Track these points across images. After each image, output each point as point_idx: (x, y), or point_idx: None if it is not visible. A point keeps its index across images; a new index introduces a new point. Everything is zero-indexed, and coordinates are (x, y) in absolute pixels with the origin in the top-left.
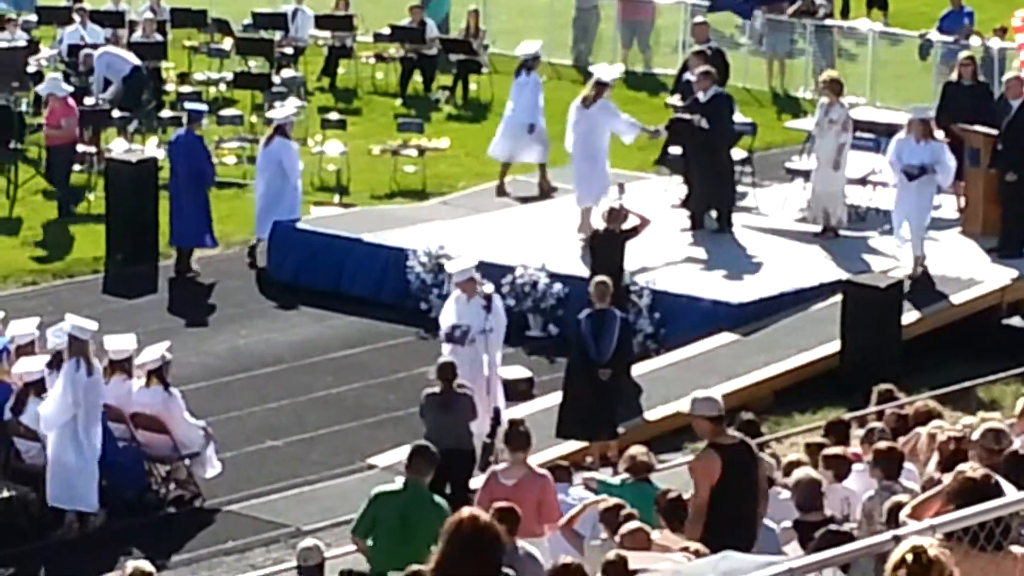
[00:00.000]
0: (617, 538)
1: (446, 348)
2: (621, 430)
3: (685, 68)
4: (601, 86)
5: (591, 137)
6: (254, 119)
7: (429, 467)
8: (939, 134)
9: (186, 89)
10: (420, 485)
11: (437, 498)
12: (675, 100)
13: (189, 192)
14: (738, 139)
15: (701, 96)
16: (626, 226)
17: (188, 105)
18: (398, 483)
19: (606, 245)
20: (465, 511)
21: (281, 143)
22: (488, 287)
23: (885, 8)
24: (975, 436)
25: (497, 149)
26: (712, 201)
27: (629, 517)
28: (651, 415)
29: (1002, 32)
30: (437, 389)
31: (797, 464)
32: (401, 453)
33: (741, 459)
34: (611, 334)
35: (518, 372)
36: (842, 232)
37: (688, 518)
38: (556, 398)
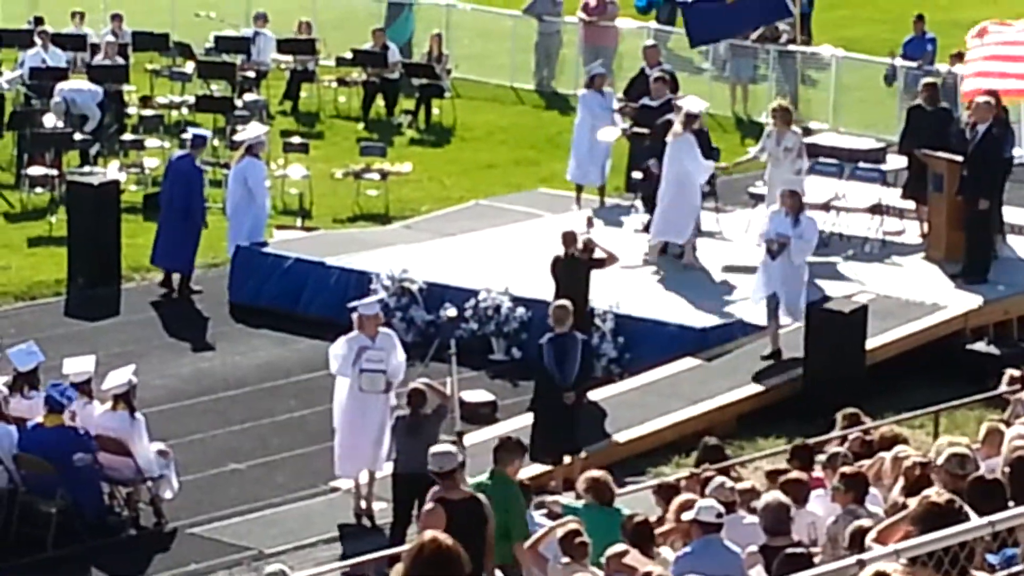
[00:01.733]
0: (587, 561)
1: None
2: (583, 454)
3: (632, 87)
4: (691, 118)
5: (681, 171)
6: (216, 142)
7: (513, 457)
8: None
9: (148, 112)
10: (506, 476)
11: (516, 488)
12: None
13: (178, 217)
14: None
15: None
16: (593, 256)
17: (192, 131)
18: (484, 475)
19: (570, 272)
20: (427, 534)
21: (249, 162)
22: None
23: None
24: (940, 461)
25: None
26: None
27: (582, 544)
28: (615, 439)
29: (959, 58)
30: (405, 413)
31: (753, 492)
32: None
33: (469, 514)
34: (574, 358)
35: (481, 396)
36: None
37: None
38: (520, 422)
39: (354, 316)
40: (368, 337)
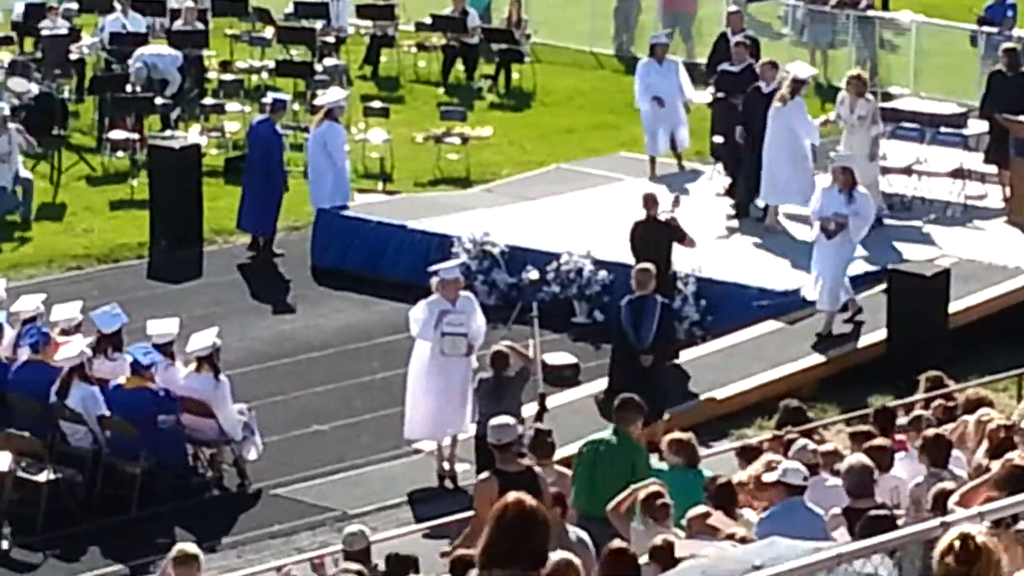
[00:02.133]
0: (669, 523)
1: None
2: (666, 416)
3: (715, 53)
4: (798, 83)
5: (790, 136)
6: (296, 107)
7: (634, 416)
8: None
9: (228, 77)
10: (629, 435)
11: (641, 447)
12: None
13: (258, 180)
14: None
15: (764, 87)
16: (673, 224)
17: (272, 95)
18: (607, 432)
19: (650, 234)
20: (511, 495)
21: (328, 126)
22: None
23: None
24: (1022, 424)
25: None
26: (758, 190)
27: (664, 506)
28: (697, 401)
29: None
30: (488, 375)
31: (835, 454)
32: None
33: (523, 487)
34: (651, 320)
35: (563, 358)
36: (887, 221)
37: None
38: (601, 384)
39: (434, 280)
40: (448, 301)
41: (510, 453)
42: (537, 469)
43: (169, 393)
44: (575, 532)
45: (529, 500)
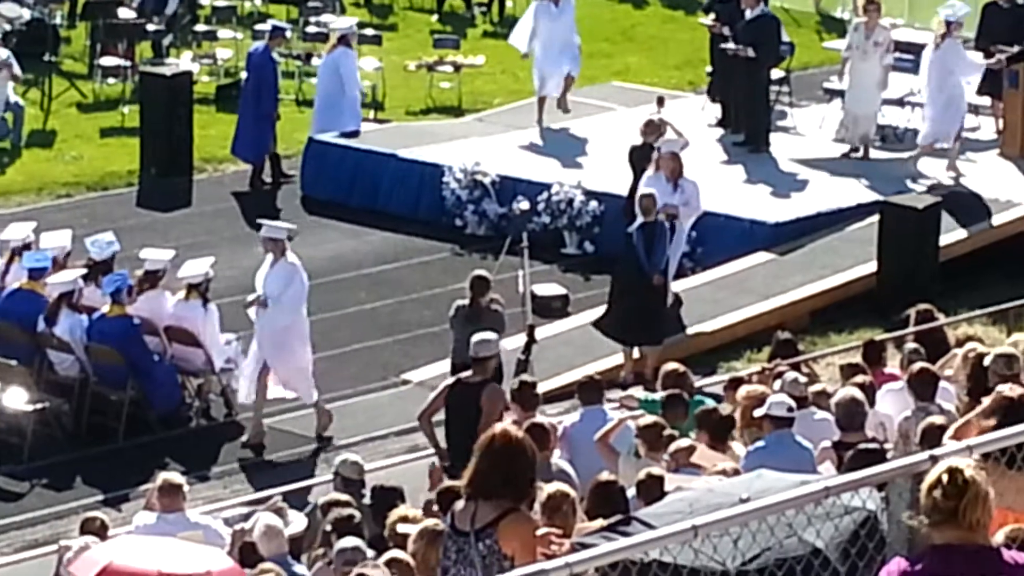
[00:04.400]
0: (666, 455)
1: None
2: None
3: None
4: (950, 25)
5: (944, 77)
6: (288, 34)
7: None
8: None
9: (221, 3)
10: None
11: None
12: (709, 20)
13: (254, 107)
14: (781, 61)
15: (748, 13)
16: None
17: (271, 22)
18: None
19: (644, 159)
20: (497, 426)
21: (342, 52)
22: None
23: None
24: (986, 362)
25: None
26: (748, 121)
27: (671, 438)
28: (687, 333)
29: None
30: (466, 301)
31: (824, 395)
32: (434, 369)
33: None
34: (663, 245)
35: (553, 289)
36: (879, 153)
37: None
38: (591, 315)
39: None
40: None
41: (481, 368)
42: (494, 386)
43: (144, 322)
44: (557, 463)
45: (515, 431)
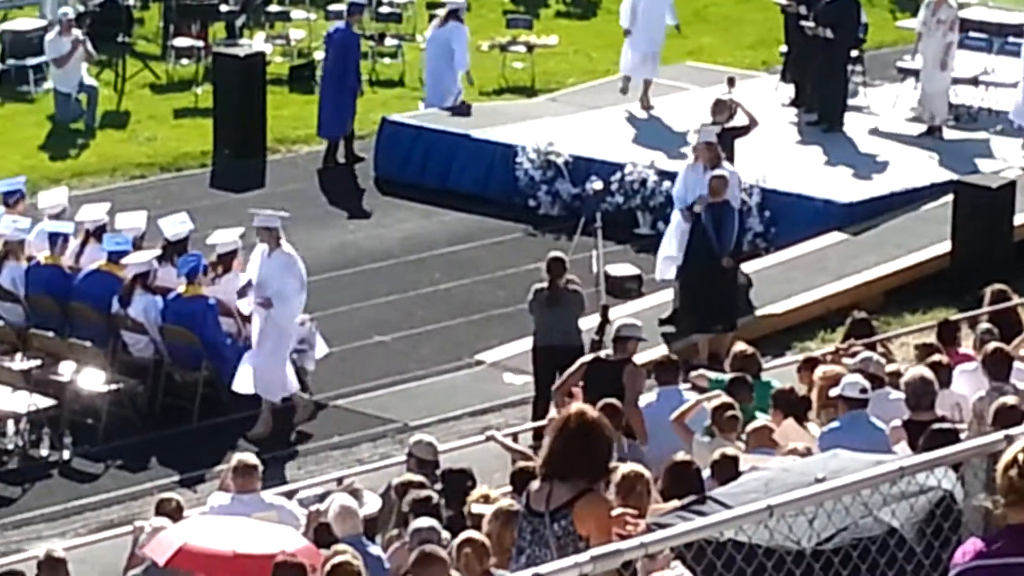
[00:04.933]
0: (744, 436)
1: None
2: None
3: None
4: None
5: None
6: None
7: None
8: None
9: None
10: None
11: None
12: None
13: (336, 86)
14: (859, 43)
15: None
16: (735, 123)
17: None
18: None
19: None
20: (573, 407)
21: (454, 27)
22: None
23: None
24: None
25: None
26: (825, 100)
27: (733, 418)
28: (760, 314)
29: None
30: (544, 285)
31: (898, 375)
32: (508, 349)
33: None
34: (731, 227)
35: (626, 270)
36: (953, 132)
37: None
38: (664, 296)
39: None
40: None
41: (622, 347)
42: (637, 365)
43: (219, 302)
44: (627, 442)
45: (591, 412)
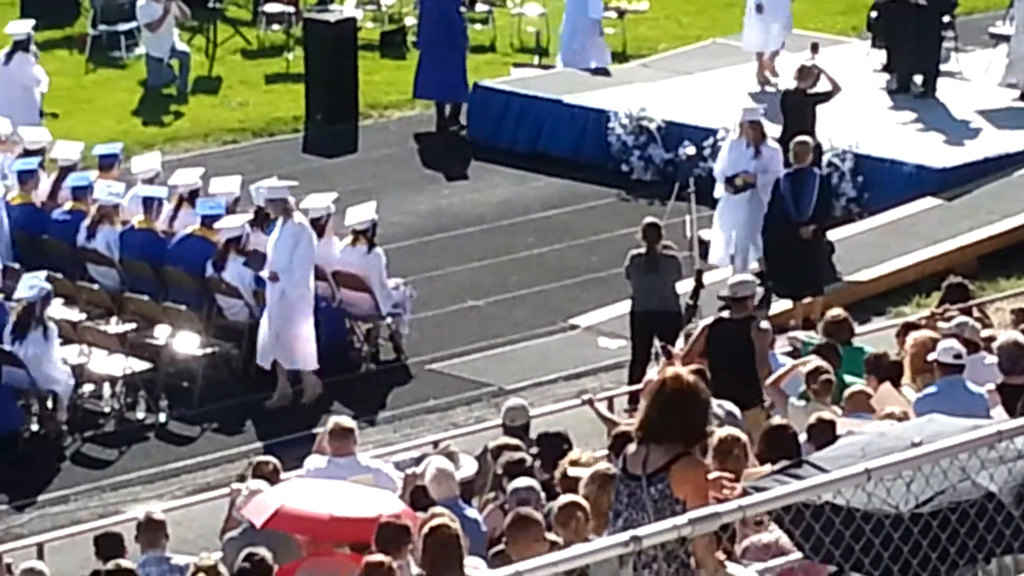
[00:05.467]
0: (828, 399)
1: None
2: (825, 289)
3: None
4: None
5: None
6: None
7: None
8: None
9: None
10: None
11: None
12: None
13: (442, 45)
14: (952, 7)
15: None
16: (818, 88)
17: None
18: None
19: (796, 105)
20: (669, 371)
21: None
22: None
23: None
24: None
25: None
26: (918, 65)
27: (827, 382)
28: (854, 278)
29: None
30: (642, 250)
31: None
32: (602, 314)
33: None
34: (811, 193)
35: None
36: None
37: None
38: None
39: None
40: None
41: (741, 306)
42: (763, 324)
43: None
44: (723, 404)
45: (687, 376)
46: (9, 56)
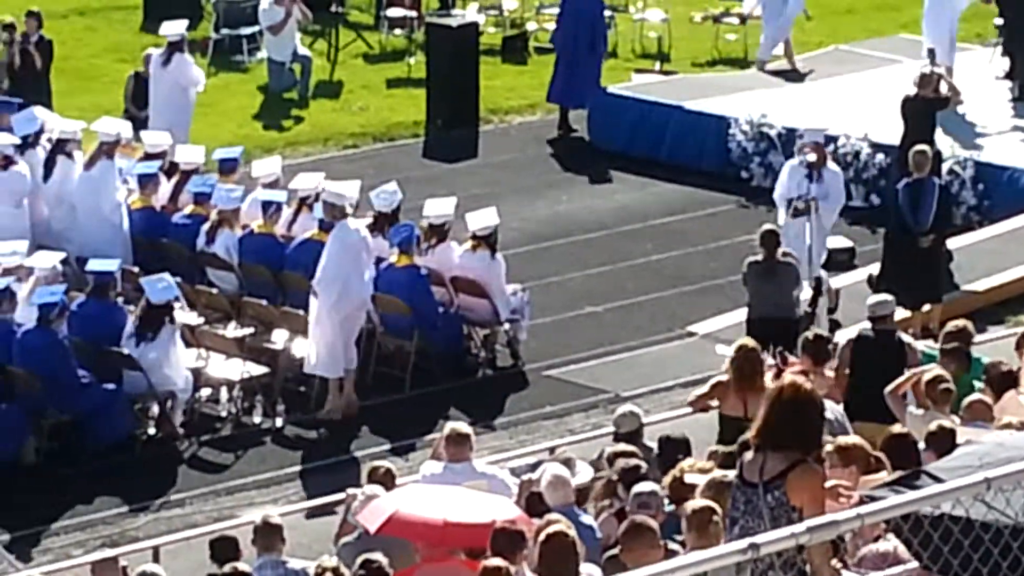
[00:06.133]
0: (947, 408)
1: None
2: (944, 298)
3: None
4: None
5: None
6: None
7: None
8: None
9: None
10: None
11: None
12: None
13: (583, 50)
14: None
15: None
16: (937, 95)
17: None
18: None
19: (915, 112)
20: (786, 378)
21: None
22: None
23: None
24: None
25: None
26: None
27: (946, 391)
28: (974, 287)
29: None
30: (760, 257)
31: None
32: (720, 321)
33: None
34: (930, 203)
35: (840, 242)
36: None
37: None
38: (877, 268)
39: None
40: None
41: (882, 322)
42: (902, 337)
43: (430, 272)
44: (834, 410)
45: (804, 383)
46: (167, 57)
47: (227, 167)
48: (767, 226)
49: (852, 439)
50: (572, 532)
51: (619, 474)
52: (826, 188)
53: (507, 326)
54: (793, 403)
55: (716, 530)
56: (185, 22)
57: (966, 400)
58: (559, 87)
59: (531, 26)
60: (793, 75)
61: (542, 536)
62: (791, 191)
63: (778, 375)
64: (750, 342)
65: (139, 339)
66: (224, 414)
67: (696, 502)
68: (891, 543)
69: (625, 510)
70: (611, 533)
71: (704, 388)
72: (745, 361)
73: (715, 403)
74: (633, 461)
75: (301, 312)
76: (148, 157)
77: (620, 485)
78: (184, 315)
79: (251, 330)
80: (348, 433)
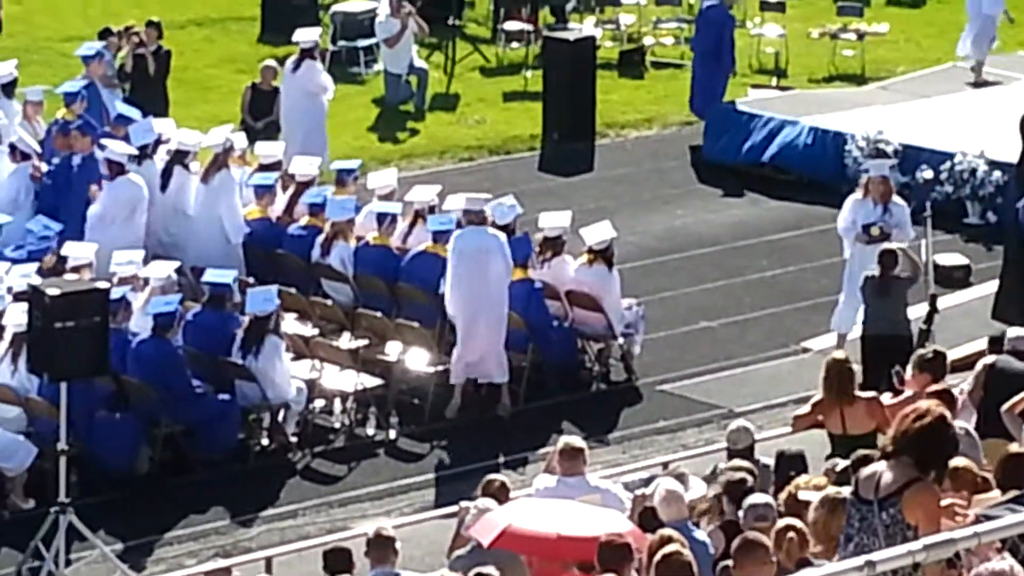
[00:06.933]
0: None
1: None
2: None
3: None
4: None
5: None
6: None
7: None
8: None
9: None
10: None
11: None
12: None
13: (710, 63)
14: None
15: None
16: None
17: None
18: None
19: None
20: (923, 403)
21: (721, 11)
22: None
23: None
24: None
25: None
26: None
27: None
28: None
29: None
30: (876, 273)
31: None
32: (835, 338)
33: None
34: None
35: (955, 259)
36: None
37: None
38: (993, 286)
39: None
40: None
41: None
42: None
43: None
44: (962, 425)
45: (935, 406)
46: (297, 64)
47: (343, 179)
48: (886, 245)
49: (961, 462)
50: (688, 552)
51: (724, 487)
52: (898, 219)
53: (621, 340)
54: (932, 428)
55: (791, 547)
56: (318, 30)
57: None
58: (694, 98)
59: (648, 40)
60: (911, 91)
61: (658, 556)
62: (856, 224)
63: (896, 393)
64: (841, 354)
65: (244, 351)
66: (337, 426)
67: (783, 522)
68: (1007, 562)
69: (731, 522)
70: (718, 545)
71: (805, 408)
72: (838, 376)
73: (820, 418)
74: (739, 474)
75: (415, 324)
76: (262, 168)
77: (726, 498)
78: (296, 326)
79: (365, 342)
80: (461, 446)
